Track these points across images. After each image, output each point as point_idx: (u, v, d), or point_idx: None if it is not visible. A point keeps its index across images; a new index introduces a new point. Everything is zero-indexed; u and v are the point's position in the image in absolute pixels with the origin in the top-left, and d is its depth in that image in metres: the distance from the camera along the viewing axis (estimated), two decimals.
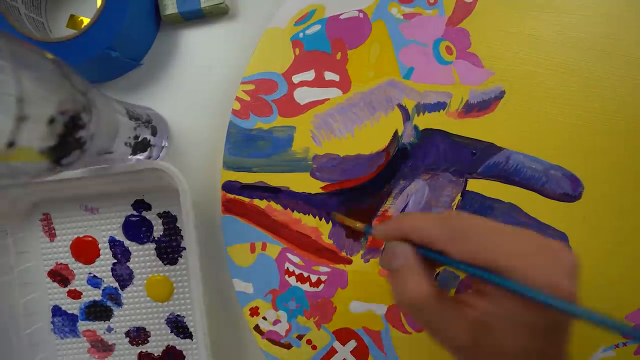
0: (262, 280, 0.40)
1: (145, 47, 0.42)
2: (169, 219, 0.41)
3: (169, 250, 0.42)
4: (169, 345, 0.42)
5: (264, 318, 0.40)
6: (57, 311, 0.43)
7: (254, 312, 0.40)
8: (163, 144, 0.40)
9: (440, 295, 0.25)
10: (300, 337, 0.39)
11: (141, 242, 0.42)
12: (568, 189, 0.37)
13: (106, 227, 0.42)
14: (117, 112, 0.31)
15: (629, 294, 0.37)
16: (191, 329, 0.42)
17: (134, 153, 0.35)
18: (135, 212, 0.42)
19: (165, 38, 0.43)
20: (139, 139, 0.35)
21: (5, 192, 0.40)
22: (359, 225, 0.36)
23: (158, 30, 0.43)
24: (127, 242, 0.42)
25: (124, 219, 0.42)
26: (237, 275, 0.40)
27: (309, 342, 0.39)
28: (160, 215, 0.41)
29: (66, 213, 0.42)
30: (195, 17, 0.41)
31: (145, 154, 0.37)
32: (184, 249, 0.42)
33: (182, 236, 0.41)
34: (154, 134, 0.37)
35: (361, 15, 0.39)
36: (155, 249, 0.42)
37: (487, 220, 0.26)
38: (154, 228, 0.42)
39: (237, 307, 0.41)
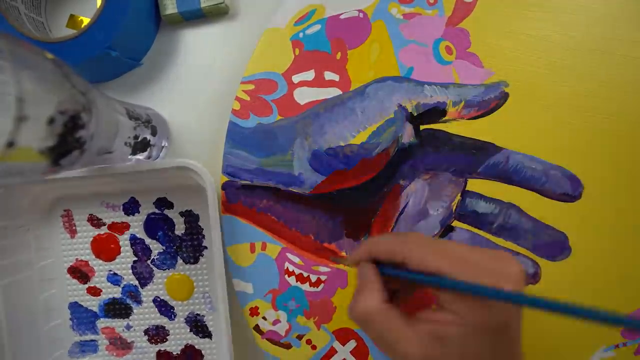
0: (262, 280, 0.40)
1: (145, 47, 0.42)
2: (191, 218, 0.41)
3: (190, 249, 0.42)
4: (187, 344, 0.42)
5: (264, 318, 0.40)
6: (76, 308, 0.43)
7: (254, 312, 0.40)
8: (163, 144, 0.40)
9: (391, 311, 0.27)
10: (300, 337, 0.39)
11: (162, 241, 0.42)
12: (568, 189, 0.37)
13: (127, 224, 0.42)
14: (117, 112, 0.31)
15: (629, 294, 0.37)
16: (210, 329, 0.42)
17: (134, 153, 0.35)
18: (157, 210, 0.42)
19: (165, 38, 0.43)
20: (139, 139, 0.35)
21: (27, 188, 0.40)
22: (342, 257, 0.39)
23: (158, 30, 0.43)
24: (148, 240, 0.42)
25: (145, 216, 0.42)
26: (237, 275, 0.40)
27: (308, 342, 0.39)
28: (182, 214, 0.41)
29: (87, 210, 0.42)
30: (195, 17, 0.41)
31: (145, 153, 0.37)
32: (205, 248, 0.42)
33: (203, 235, 0.41)
34: (153, 133, 0.37)
35: (361, 15, 0.39)
36: (176, 248, 0.42)
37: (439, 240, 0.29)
38: (176, 227, 0.42)
39: (237, 307, 0.41)
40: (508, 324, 0.25)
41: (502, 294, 0.23)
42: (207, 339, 0.42)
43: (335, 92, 0.39)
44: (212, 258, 0.41)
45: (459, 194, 0.38)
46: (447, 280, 0.25)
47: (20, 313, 0.40)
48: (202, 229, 0.41)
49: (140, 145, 0.36)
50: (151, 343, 0.43)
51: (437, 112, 0.38)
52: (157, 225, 0.42)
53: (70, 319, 0.43)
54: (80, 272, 0.43)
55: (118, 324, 0.43)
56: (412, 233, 0.30)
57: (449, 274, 0.25)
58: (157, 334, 0.42)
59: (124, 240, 0.42)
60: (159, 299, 0.42)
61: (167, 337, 0.42)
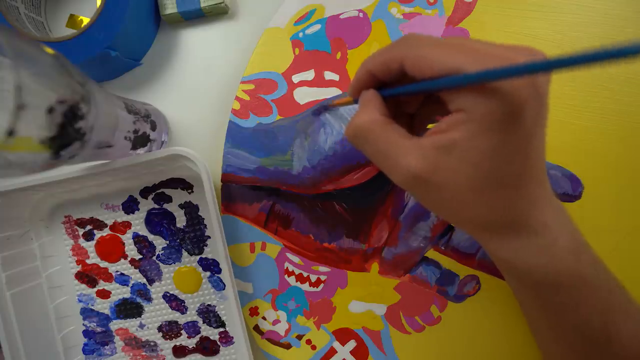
0: (262, 280, 0.39)
1: (145, 47, 0.42)
2: (191, 209, 0.41)
3: (194, 240, 0.41)
4: (202, 336, 0.42)
5: (264, 318, 0.39)
6: (87, 312, 0.43)
7: (254, 312, 0.39)
8: (163, 139, 0.40)
9: (391, 124, 0.24)
10: (299, 337, 0.39)
11: (165, 235, 0.42)
12: (568, 189, 0.37)
13: (129, 223, 0.42)
14: (116, 105, 0.31)
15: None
16: (223, 318, 0.42)
17: (134, 147, 0.35)
18: (156, 206, 0.41)
19: (165, 37, 0.43)
20: (139, 133, 0.35)
21: (26, 198, 0.40)
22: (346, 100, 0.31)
23: (158, 30, 0.43)
24: (151, 237, 0.42)
25: (145, 213, 0.42)
26: (237, 275, 0.39)
27: (308, 342, 0.39)
28: (181, 206, 0.41)
29: (88, 213, 0.42)
30: (195, 16, 0.41)
31: (145, 148, 0.37)
32: (209, 237, 0.41)
33: (205, 225, 0.41)
34: (153, 128, 0.37)
35: (361, 15, 0.39)
36: (179, 241, 0.42)
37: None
38: (177, 220, 0.41)
39: None
40: (519, 112, 0.21)
41: (513, 68, 0.18)
42: (221, 328, 0.42)
43: (335, 91, 0.39)
44: (215, 244, 0.41)
45: None
46: (449, 79, 0.21)
47: (33, 321, 0.40)
48: (203, 219, 0.41)
49: (140, 140, 0.35)
50: (166, 339, 0.42)
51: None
52: (158, 220, 0.41)
53: (83, 325, 0.43)
54: (88, 277, 0.42)
55: (131, 324, 0.43)
56: (408, 35, 0.24)
57: (460, 68, 0.20)
58: (170, 330, 0.42)
59: (127, 239, 0.42)
60: (168, 294, 0.42)
61: (181, 331, 0.42)
